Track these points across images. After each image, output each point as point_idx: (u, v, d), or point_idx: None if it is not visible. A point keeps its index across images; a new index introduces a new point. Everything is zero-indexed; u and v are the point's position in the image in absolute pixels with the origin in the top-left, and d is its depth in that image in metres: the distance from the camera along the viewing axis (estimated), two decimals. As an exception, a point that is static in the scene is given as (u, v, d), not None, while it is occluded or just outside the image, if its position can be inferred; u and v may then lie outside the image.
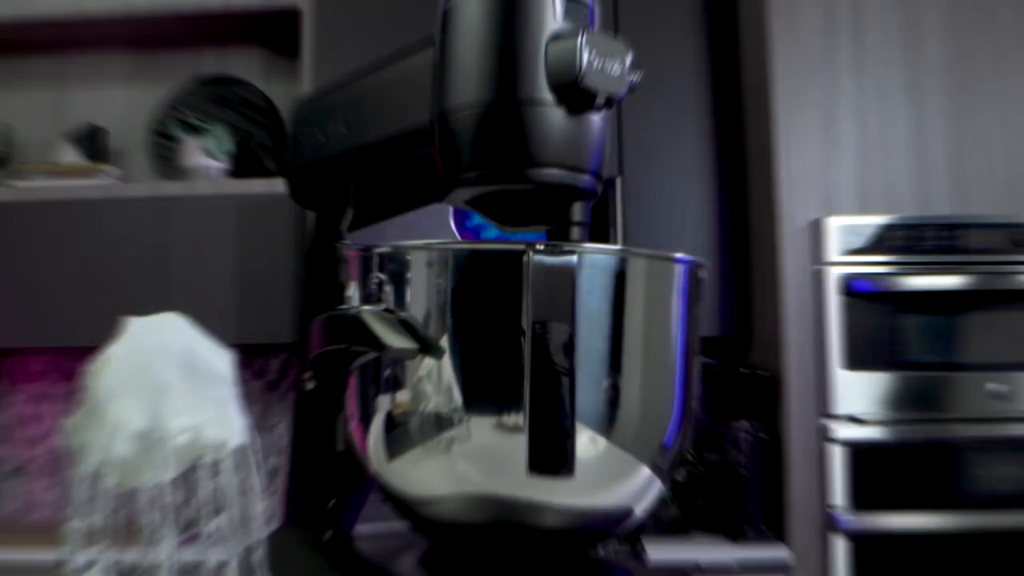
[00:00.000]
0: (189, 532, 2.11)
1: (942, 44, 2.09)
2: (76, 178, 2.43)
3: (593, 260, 0.60)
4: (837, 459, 1.96)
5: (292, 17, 2.48)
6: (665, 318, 0.63)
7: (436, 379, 0.60)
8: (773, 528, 2.04)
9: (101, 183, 2.41)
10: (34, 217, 2.38)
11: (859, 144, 2.06)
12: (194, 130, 2.55)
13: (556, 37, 0.65)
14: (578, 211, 0.67)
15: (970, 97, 2.08)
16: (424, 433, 0.61)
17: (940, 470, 1.95)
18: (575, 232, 0.67)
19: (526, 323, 0.57)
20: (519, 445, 0.58)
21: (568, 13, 0.66)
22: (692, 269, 0.65)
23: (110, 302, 2.36)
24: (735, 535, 2.07)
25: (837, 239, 1.99)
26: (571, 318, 0.58)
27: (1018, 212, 2.05)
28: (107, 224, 2.38)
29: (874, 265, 1.99)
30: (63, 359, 2.65)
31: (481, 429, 0.59)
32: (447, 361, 0.60)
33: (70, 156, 2.60)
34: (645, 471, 0.63)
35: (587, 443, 0.60)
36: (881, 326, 1.97)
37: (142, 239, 2.37)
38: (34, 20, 2.48)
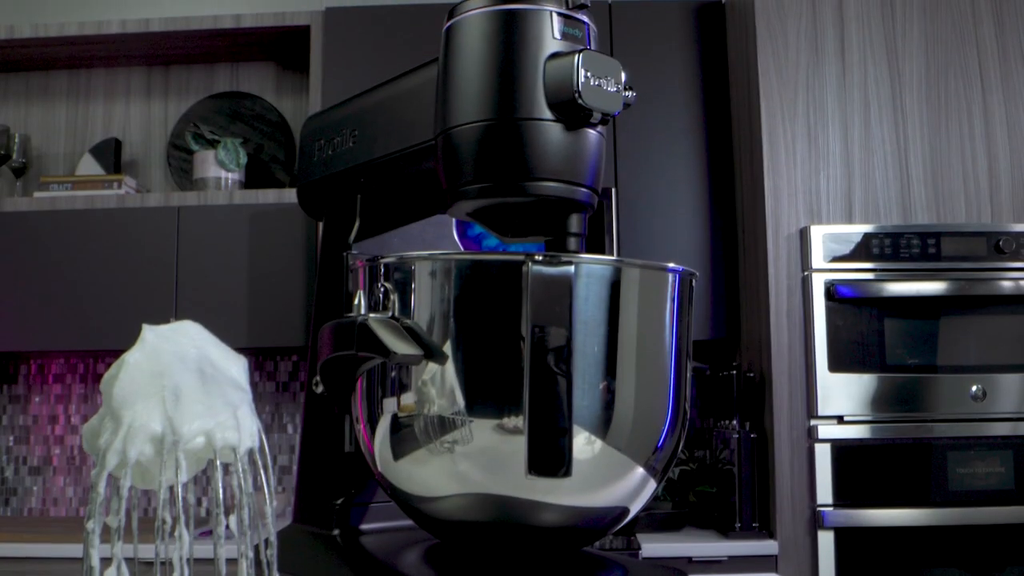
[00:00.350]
0: (203, 528, 2.12)
1: (923, 59, 2.12)
2: (94, 189, 2.47)
3: (589, 270, 0.62)
4: (823, 457, 1.98)
5: (302, 34, 2.52)
6: (658, 324, 0.65)
7: (439, 383, 0.62)
8: (762, 523, 2.07)
9: (118, 193, 2.46)
10: (53, 226, 2.42)
11: (844, 155, 2.09)
12: (208, 143, 2.59)
13: (554, 56, 0.67)
14: (575, 223, 0.69)
15: (949, 110, 2.11)
16: (428, 435, 0.63)
17: (921, 468, 1.98)
18: (572, 243, 0.69)
19: (525, 330, 0.59)
20: (519, 446, 0.60)
21: (566, 33, 0.68)
22: (683, 278, 0.67)
23: (126, 308, 2.40)
24: (726, 530, 2.09)
25: (822, 247, 2.02)
26: (568, 325, 0.60)
27: (995, 220, 2.07)
28: (124, 233, 2.42)
29: (858, 272, 2.02)
30: (80, 361, 2.69)
31: (482, 431, 0.61)
32: (450, 366, 0.62)
33: (89, 167, 2.64)
34: (639, 471, 0.65)
35: (584, 445, 0.62)
36: (865, 330, 2.00)
37: (158, 247, 2.41)
38: (56, 38, 2.53)
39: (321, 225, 0.88)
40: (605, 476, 0.64)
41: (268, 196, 2.42)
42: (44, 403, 2.68)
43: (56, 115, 2.78)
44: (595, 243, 2.22)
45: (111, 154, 2.66)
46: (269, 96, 2.74)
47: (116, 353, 2.60)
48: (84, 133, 2.77)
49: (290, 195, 2.41)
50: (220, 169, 2.50)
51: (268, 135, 2.71)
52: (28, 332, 2.41)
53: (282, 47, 2.65)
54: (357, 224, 0.80)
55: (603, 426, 0.62)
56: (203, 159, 2.52)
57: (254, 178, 2.66)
